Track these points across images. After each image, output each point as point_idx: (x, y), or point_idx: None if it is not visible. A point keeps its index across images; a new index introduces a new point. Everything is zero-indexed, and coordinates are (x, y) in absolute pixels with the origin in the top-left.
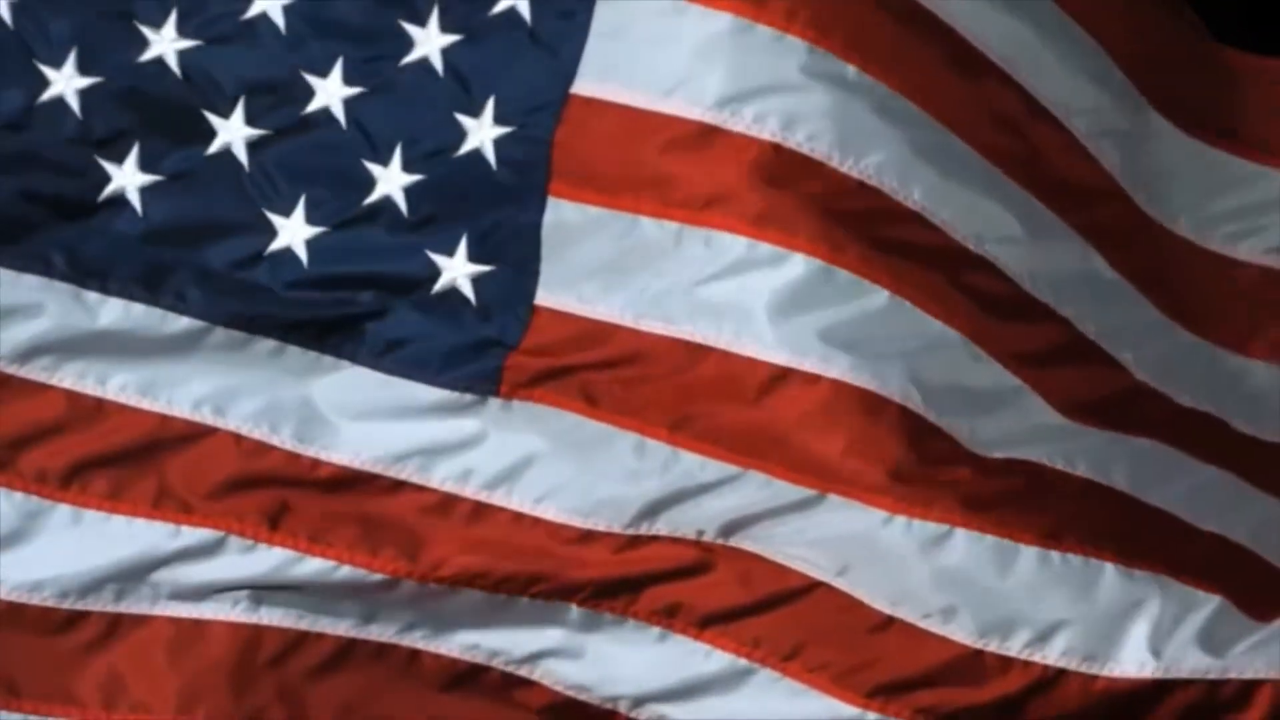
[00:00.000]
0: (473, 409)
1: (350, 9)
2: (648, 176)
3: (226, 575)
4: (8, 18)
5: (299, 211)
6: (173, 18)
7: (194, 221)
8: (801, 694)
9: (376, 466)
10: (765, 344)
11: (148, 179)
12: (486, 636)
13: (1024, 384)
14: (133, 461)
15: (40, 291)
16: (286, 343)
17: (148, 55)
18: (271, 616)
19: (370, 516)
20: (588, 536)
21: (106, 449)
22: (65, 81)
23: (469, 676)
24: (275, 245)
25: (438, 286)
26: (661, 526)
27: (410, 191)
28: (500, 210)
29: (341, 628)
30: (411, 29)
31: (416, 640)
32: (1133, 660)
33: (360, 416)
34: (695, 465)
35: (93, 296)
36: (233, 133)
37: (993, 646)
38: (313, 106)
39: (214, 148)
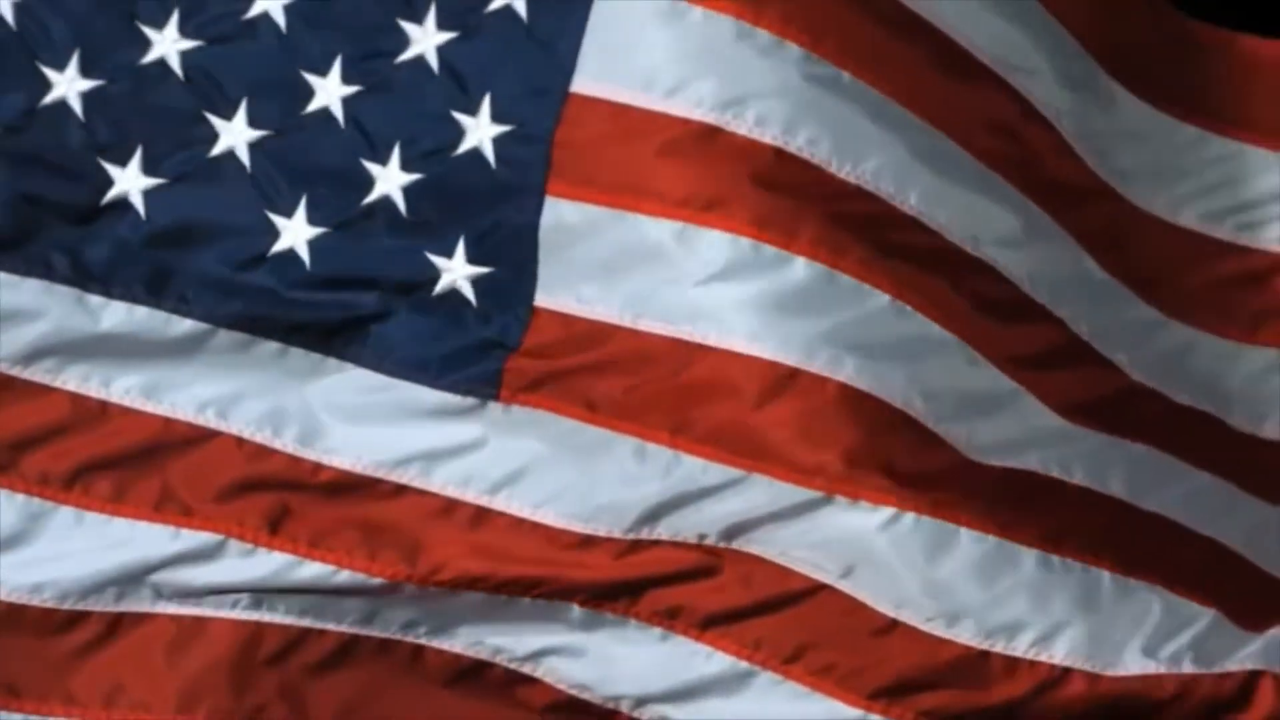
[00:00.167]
0: (473, 413)
1: (349, 6)
2: (648, 176)
3: (226, 579)
4: (10, 18)
5: (300, 212)
6: (174, 18)
7: (197, 224)
8: (804, 696)
9: (378, 471)
10: (767, 346)
11: (151, 182)
12: (489, 633)
13: (1021, 387)
14: (136, 464)
15: (43, 295)
16: (290, 345)
17: (150, 57)
18: (272, 614)
19: (371, 521)
20: (588, 542)
21: (110, 451)
22: (68, 84)
23: (472, 673)
24: (278, 247)
25: (438, 288)
26: (663, 531)
27: (409, 191)
28: (498, 210)
29: (343, 625)
30: (408, 26)
31: (419, 637)
32: (1133, 666)
33: (362, 420)
34: (697, 469)
35: (95, 300)
36: (235, 134)
37: (999, 647)
38: (313, 106)
39: (216, 150)
